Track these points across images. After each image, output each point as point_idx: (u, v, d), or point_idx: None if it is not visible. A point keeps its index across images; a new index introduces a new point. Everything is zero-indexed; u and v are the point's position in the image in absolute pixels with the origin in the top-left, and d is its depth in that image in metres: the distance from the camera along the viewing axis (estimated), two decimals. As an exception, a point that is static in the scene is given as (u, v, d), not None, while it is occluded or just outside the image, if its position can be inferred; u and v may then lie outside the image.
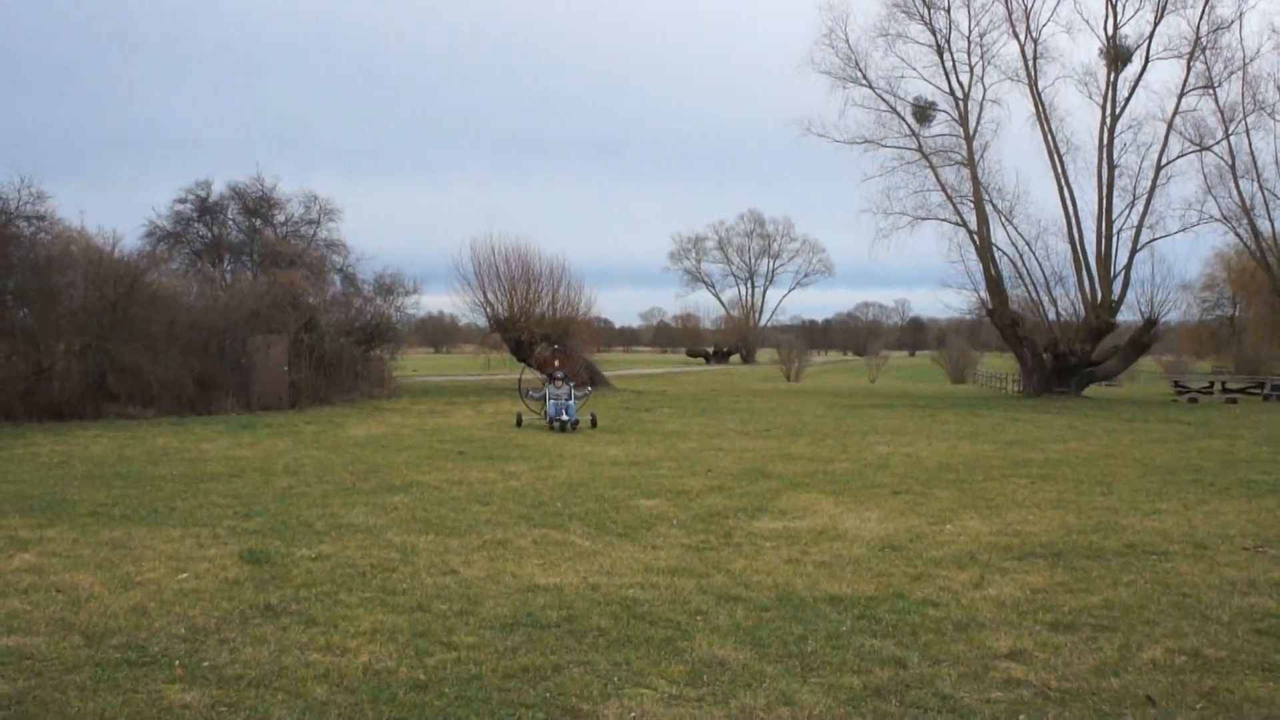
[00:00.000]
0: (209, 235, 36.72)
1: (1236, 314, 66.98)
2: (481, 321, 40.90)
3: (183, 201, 36.53)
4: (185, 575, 8.15)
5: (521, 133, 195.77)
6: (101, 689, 5.55)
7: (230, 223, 37.08)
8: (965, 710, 5.37)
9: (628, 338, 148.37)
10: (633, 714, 5.28)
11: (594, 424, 23.40)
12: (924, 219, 42.23)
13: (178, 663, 6.00)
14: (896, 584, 8.22)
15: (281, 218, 37.20)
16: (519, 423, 23.91)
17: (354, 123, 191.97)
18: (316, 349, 29.14)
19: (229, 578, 8.08)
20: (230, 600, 7.40)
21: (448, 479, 14.20)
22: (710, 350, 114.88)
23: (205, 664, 5.98)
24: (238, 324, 27.42)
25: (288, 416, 25.21)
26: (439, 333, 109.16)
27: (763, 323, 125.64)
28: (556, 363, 25.97)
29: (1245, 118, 39.58)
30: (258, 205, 36.68)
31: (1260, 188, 40.37)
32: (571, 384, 23.82)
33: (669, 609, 7.39)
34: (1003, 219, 40.94)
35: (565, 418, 22.41)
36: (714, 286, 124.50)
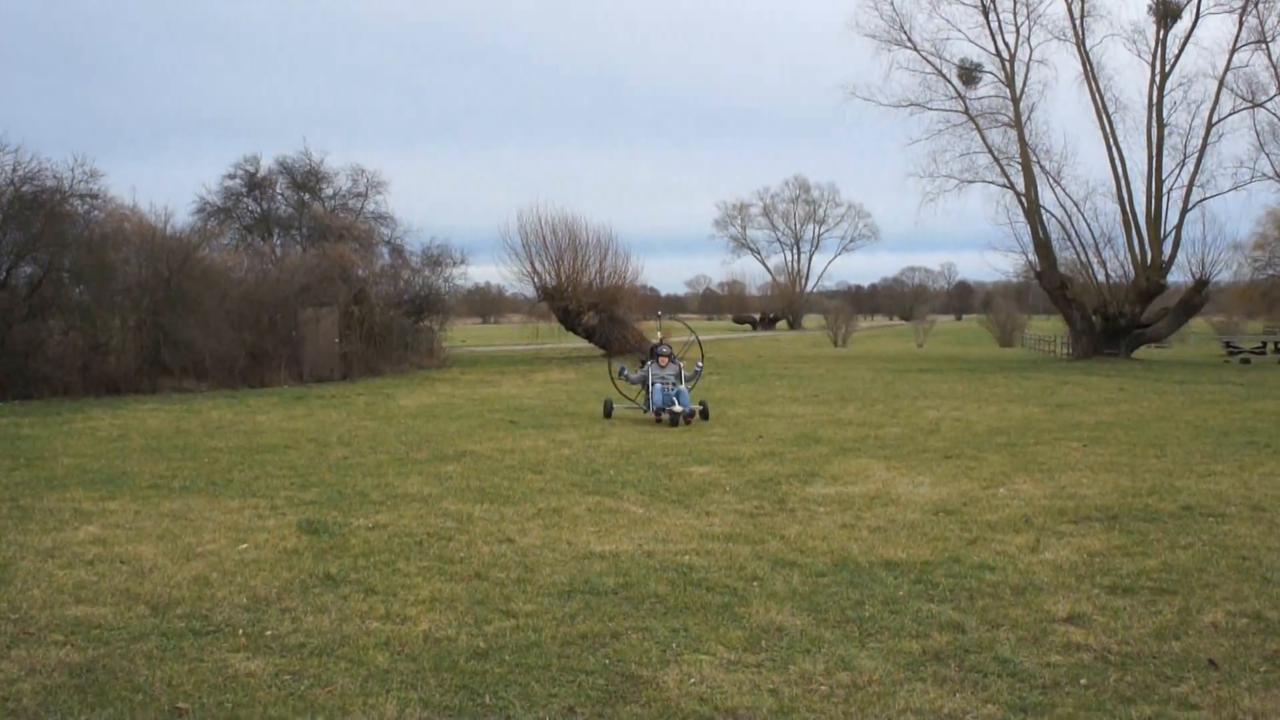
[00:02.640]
0: (258, 210, 37.03)
1: (1291, 272, 65.79)
2: (529, 291, 41.04)
3: (232, 177, 36.88)
4: (245, 545, 8.27)
5: (567, 103, 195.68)
6: (168, 658, 5.65)
7: (279, 197, 37.38)
8: (1025, 674, 5.36)
9: (674, 305, 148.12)
10: (692, 679, 5.31)
11: (704, 414, 17.93)
12: (971, 182, 41.91)
13: (241, 632, 6.10)
14: (952, 548, 8.20)
15: (329, 191, 37.44)
16: (608, 413, 18.45)
17: (401, 97, 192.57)
18: (366, 321, 29.36)
19: (288, 548, 8.19)
20: (290, 570, 7.50)
21: (500, 448, 14.28)
22: (756, 317, 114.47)
23: (268, 633, 6.07)
24: (288, 297, 27.65)
25: (339, 388, 25.43)
26: (486, 303, 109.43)
27: (809, 289, 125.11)
28: (660, 336, 20.26)
29: (1300, 72, 38.78)
30: (306, 179, 36.92)
31: (1314, 143, 39.55)
32: (680, 362, 18.74)
33: (725, 575, 7.42)
34: (1050, 180, 40.50)
35: (678, 408, 17.11)
36: (760, 253, 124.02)
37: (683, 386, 17.81)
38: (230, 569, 7.53)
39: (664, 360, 18.19)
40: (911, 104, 41.85)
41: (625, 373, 19.19)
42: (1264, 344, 44.39)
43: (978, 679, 5.31)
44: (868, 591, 6.98)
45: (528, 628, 6.17)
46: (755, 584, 7.21)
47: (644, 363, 18.87)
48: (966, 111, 41.21)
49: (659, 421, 17.29)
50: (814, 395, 23.12)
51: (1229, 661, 5.53)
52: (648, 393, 18.07)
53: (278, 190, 37.28)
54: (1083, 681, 5.26)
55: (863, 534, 8.75)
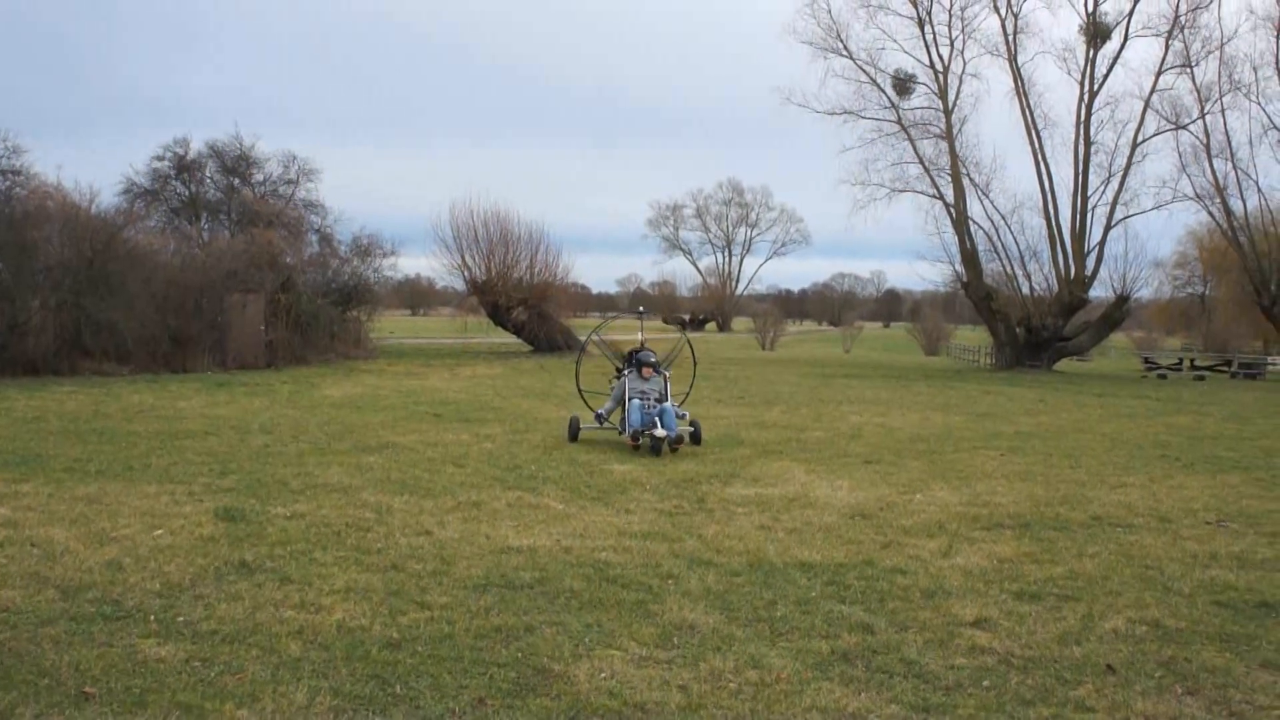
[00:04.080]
0: (186, 193, 36.55)
1: (1207, 292, 67.43)
2: (459, 285, 40.86)
3: (160, 159, 36.41)
4: (160, 531, 8.18)
5: (503, 100, 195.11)
6: (77, 642, 5.59)
7: (208, 181, 36.96)
8: (930, 675, 5.48)
9: (605, 304, 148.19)
10: (603, 674, 5.36)
11: (696, 438, 14.61)
12: (901, 191, 42.57)
13: (153, 617, 6.05)
14: (866, 551, 8.33)
15: (260, 177, 37.11)
16: (573, 435, 14.94)
17: (336, 86, 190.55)
18: (293, 309, 29.08)
19: (204, 534, 8.13)
20: (205, 557, 7.44)
21: (423, 440, 14.25)
22: (686, 318, 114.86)
23: (180, 619, 6.03)
24: (214, 282, 27.33)
25: (263, 376, 25.17)
26: (416, 295, 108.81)
27: (739, 291, 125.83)
28: (641, 340, 15.99)
29: (1221, 97, 39.80)
30: (236, 164, 36.51)
31: (1234, 167, 40.61)
32: (667, 372, 15.43)
33: (641, 573, 7.48)
34: (979, 193, 41.22)
35: (660, 432, 13.55)
36: (691, 254, 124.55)
37: (668, 405, 14.30)
38: (144, 555, 7.46)
39: (648, 371, 14.78)
40: (846, 112, 42.39)
41: (602, 415, 15.03)
42: (1180, 360, 45.47)
43: (883, 679, 5.42)
44: (780, 592, 7.07)
45: (442, 620, 6.18)
46: (670, 582, 7.27)
47: (620, 372, 15.45)
48: (899, 121, 41.79)
49: (636, 448, 13.78)
50: (739, 397, 23.29)
51: (1126, 667, 5.69)
52: (623, 411, 14.53)
53: (207, 174, 36.89)
54: (985, 684, 5.38)
55: (779, 535, 8.85)
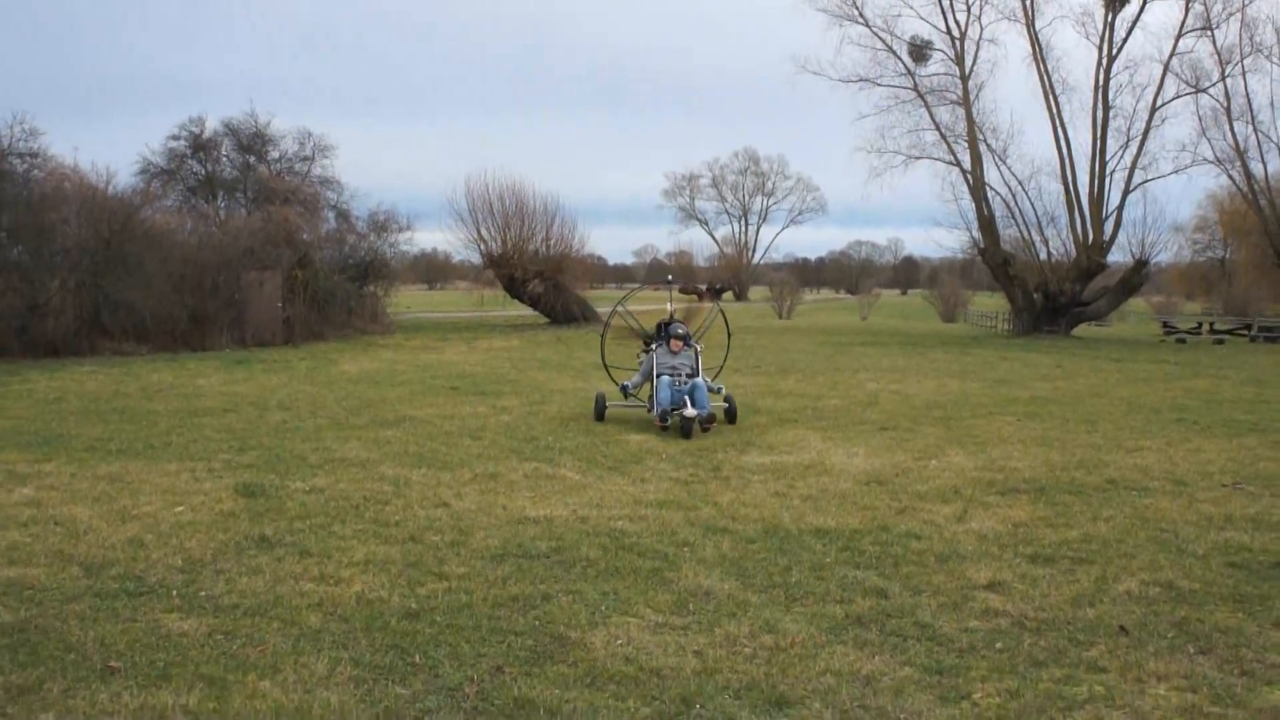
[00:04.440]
0: (203, 172, 36.63)
1: (1227, 256, 67.04)
2: (475, 258, 40.85)
3: (176, 139, 36.48)
4: (181, 508, 8.27)
5: (517, 72, 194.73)
6: (101, 618, 5.68)
7: (224, 159, 37.03)
8: (943, 638, 5.52)
9: (621, 275, 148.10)
10: (619, 641, 5.42)
11: (731, 415, 13.65)
12: (918, 158, 42.34)
13: (175, 593, 6.13)
14: (881, 517, 8.37)
15: (275, 154, 37.14)
16: (599, 413, 13.94)
17: (352, 63, 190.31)
18: (310, 285, 29.17)
19: (224, 510, 8.22)
20: (226, 532, 7.52)
21: (440, 413, 14.32)
22: (703, 287, 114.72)
23: (202, 594, 6.11)
24: (232, 260, 27.42)
25: (282, 352, 25.29)
26: (432, 270, 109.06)
27: (756, 260, 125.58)
28: (672, 310, 15.16)
29: (1242, 60, 39.45)
30: (251, 142, 36.58)
31: (1255, 130, 40.35)
32: (698, 345, 14.34)
33: (656, 540, 7.54)
34: (996, 159, 40.93)
35: (690, 411, 12.54)
36: (707, 224, 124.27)
37: (700, 380, 13.30)
38: (166, 531, 7.55)
39: (678, 345, 13.74)
40: (862, 79, 42.14)
41: (628, 388, 14.13)
42: (1199, 324, 45.28)
43: (897, 642, 5.46)
44: (795, 558, 7.12)
45: (459, 590, 6.25)
46: (686, 549, 7.33)
47: (647, 346, 14.39)
48: (916, 88, 41.54)
49: (664, 427, 12.84)
50: (755, 366, 23.29)
51: (1139, 628, 5.72)
52: (653, 388, 13.56)
53: (223, 152, 36.93)
54: (998, 646, 5.42)
55: (794, 502, 8.89)
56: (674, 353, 13.69)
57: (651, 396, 13.51)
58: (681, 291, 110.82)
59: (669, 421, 12.79)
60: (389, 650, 5.23)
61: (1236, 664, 5.21)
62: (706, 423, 12.66)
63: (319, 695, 4.64)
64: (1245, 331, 42.70)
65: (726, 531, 7.84)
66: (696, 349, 14.05)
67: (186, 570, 6.59)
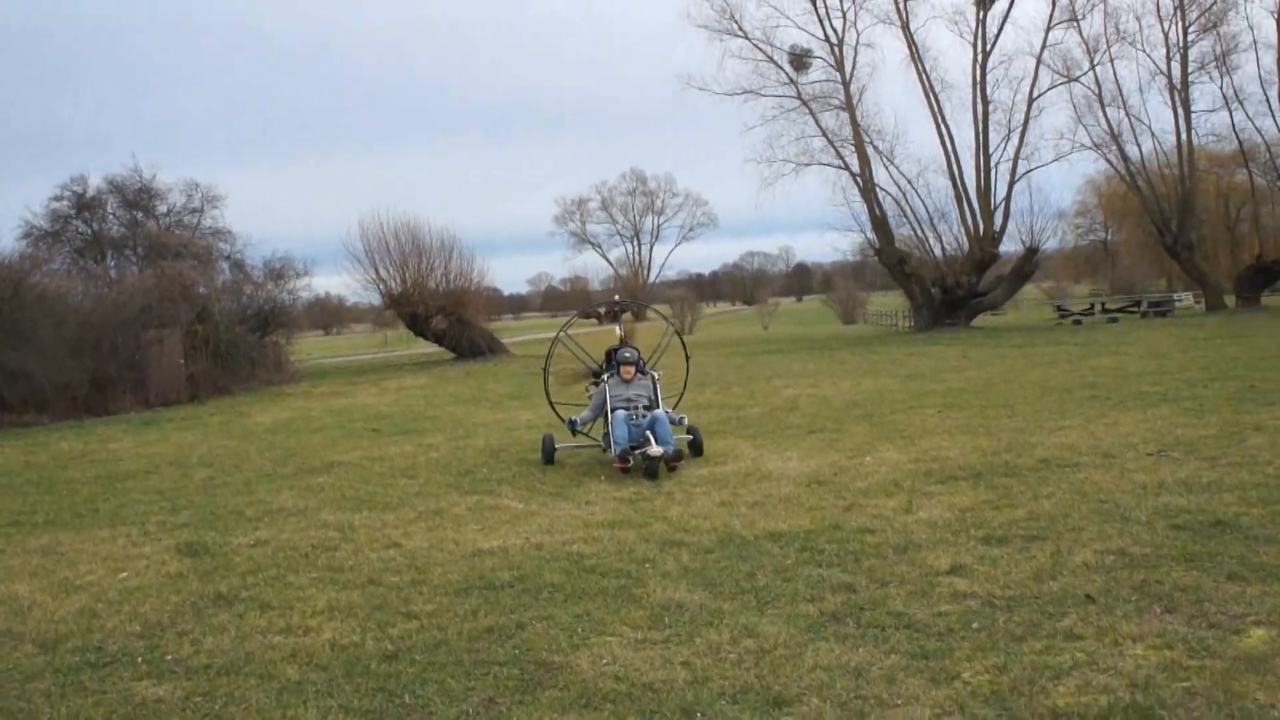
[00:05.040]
0: (89, 232, 35.78)
1: (1109, 237, 69.06)
2: (374, 299, 40.40)
3: (59, 199, 35.59)
4: (125, 574, 8.07)
5: (400, 110, 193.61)
6: (68, 693, 5.52)
7: (110, 217, 36.21)
8: (920, 625, 5.62)
9: (517, 305, 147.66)
10: (605, 660, 5.43)
11: (696, 447, 12.26)
12: (807, 165, 42.82)
13: (140, 659, 5.98)
14: (830, 516, 8.48)
15: (163, 208, 36.42)
16: (548, 457, 12.45)
17: (229, 106, 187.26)
18: (212, 339, 28.60)
19: (171, 572, 8.04)
20: (178, 593, 7.36)
21: (367, 456, 14.17)
22: (601, 310, 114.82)
23: (169, 657, 5.98)
24: (128, 320, 26.80)
25: (189, 409, 24.75)
26: (327, 314, 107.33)
27: (651, 279, 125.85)
28: (620, 333, 14.25)
29: (1109, 48, 40.94)
30: (137, 197, 35.82)
31: (1126, 114, 41.90)
32: (656, 372, 12.88)
33: (616, 560, 7.56)
34: (884, 160, 41.67)
35: (655, 449, 10.89)
36: (600, 247, 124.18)
37: (660, 411, 11.79)
38: (115, 598, 7.36)
39: (629, 372, 12.38)
40: (746, 91, 42.60)
41: (575, 423, 12.62)
42: (1092, 305, 46.52)
43: (877, 633, 5.55)
44: (757, 563, 7.19)
45: (432, 627, 6.21)
46: (647, 565, 7.36)
47: (597, 377, 13.04)
48: (799, 96, 42.13)
49: (624, 469, 11.12)
50: (669, 382, 23.36)
51: (1104, 595, 5.89)
52: (606, 424, 12.10)
53: (108, 210, 36.12)
54: (974, 626, 5.55)
55: (742, 510, 8.97)
56: (626, 381, 12.32)
57: (606, 434, 12.01)
58: (583, 317, 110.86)
59: (630, 462, 11.14)
60: (376, 694, 5.18)
61: (1203, 618, 5.40)
62: (673, 460, 11.09)
63: (316, 744, 4.57)
64: (1135, 309, 43.95)
65: (683, 544, 7.88)
66: (654, 376, 12.70)
67: (146, 635, 6.44)
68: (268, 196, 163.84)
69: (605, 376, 12.61)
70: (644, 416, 11.73)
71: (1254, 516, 7.42)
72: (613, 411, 11.88)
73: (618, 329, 13.34)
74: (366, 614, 6.58)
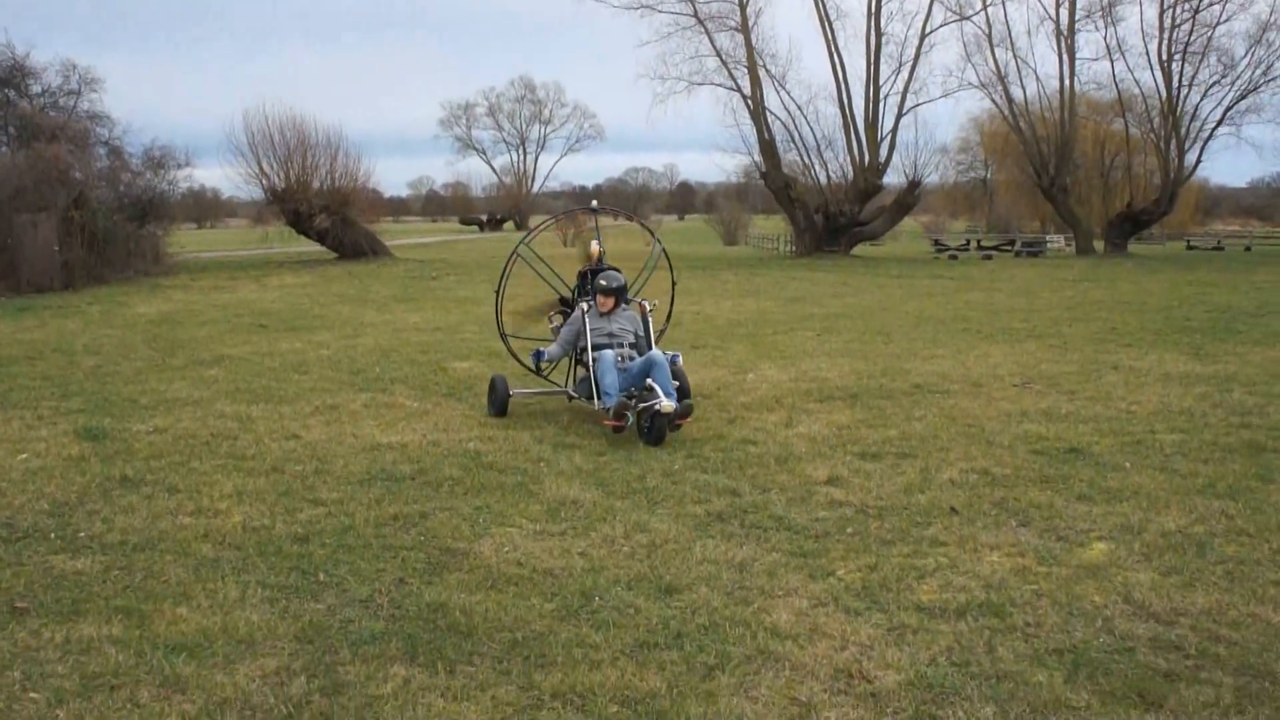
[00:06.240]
0: (-45, 110, 34.33)
1: (989, 176, 70.81)
2: (256, 194, 39.68)
3: (-77, 75, 33.98)
4: (25, 455, 8.15)
5: (286, 5, 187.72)
6: (-16, 563, 5.69)
7: (-22, 95, 34.71)
8: (799, 527, 6.11)
9: (397, 208, 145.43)
10: (506, 548, 5.80)
11: (685, 394, 8.89)
12: (700, 84, 43.21)
13: (54, 535, 6.14)
14: (714, 427, 8.95)
15: (38, 89, 34.98)
16: (500, 407, 9.69)
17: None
18: (88, 226, 27.90)
19: (72, 455, 8.14)
20: (82, 475, 7.50)
21: (257, 351, 14.24)
22: (484, 218, 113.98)
23: (81, 534, 6.15)
24: (0, 203, 26.03)
25: (64, 298, 24.23)
26: (202, 208, 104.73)
27: (535, 189, 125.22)
28: (597, 248, 10.44)
29: (1002, -10, 41.72)
30: (9, 74, 34.32)
31: (1014, 56, 43.14)
32: (649, 303, 10.11)
33: (512, 458, 7.93)
34: (776, 84, 42.20)
35: (667, 404, 8.32)
36: (485, 154, 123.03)
37: (657, 353, 9.00)
38: (18, 478, 7.46)
39: (607, 302, 9.60)
40: (642, 5, 42.56)
41: (541, 358, 9.81)
42: (968, 241, 47.95)
43: (759, 534, 6.03)
44: (647, 467, 7.63)
45: (339, 513, 6.51)
46: (543, 464, 7.75)
47: (566, 304, 10.36)
48: (696, 15, 42.21)
49: (619, 429, 8.61)
50: (559, 294, 23.64)
51: (966, 508, 6.46)
52: (575, 368, 10.16)
53: (-23, 88, 34.63)
54: (849, 530, 6.05)
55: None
56: (605, 314, 9.62)
57: (579, 378, 9.80)
58: (462, 223, 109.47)
59: (628, 420, 8.55)
60: (290, 571, 5.47)
61: (1052, 532, 5.99)
62: (681, 418, 8.61)
63: (239, 615, 4.86)
64: (1009, 247, 45.53)
65: (575, 447, 8.29)
66: (646, 307, 10.04)
67: (56, 514, 6.58)
68: (150, 84, 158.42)
69: (584, 306, 9.66)
70: (631, 360, 9.27)
71: (1105, 446, 8.10)
72: (595, 350, 9.31)
73: (595, 244, 10.42)
74: (274, 499, 6.84)
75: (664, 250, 11.20)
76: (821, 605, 4.93)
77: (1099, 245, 44.50)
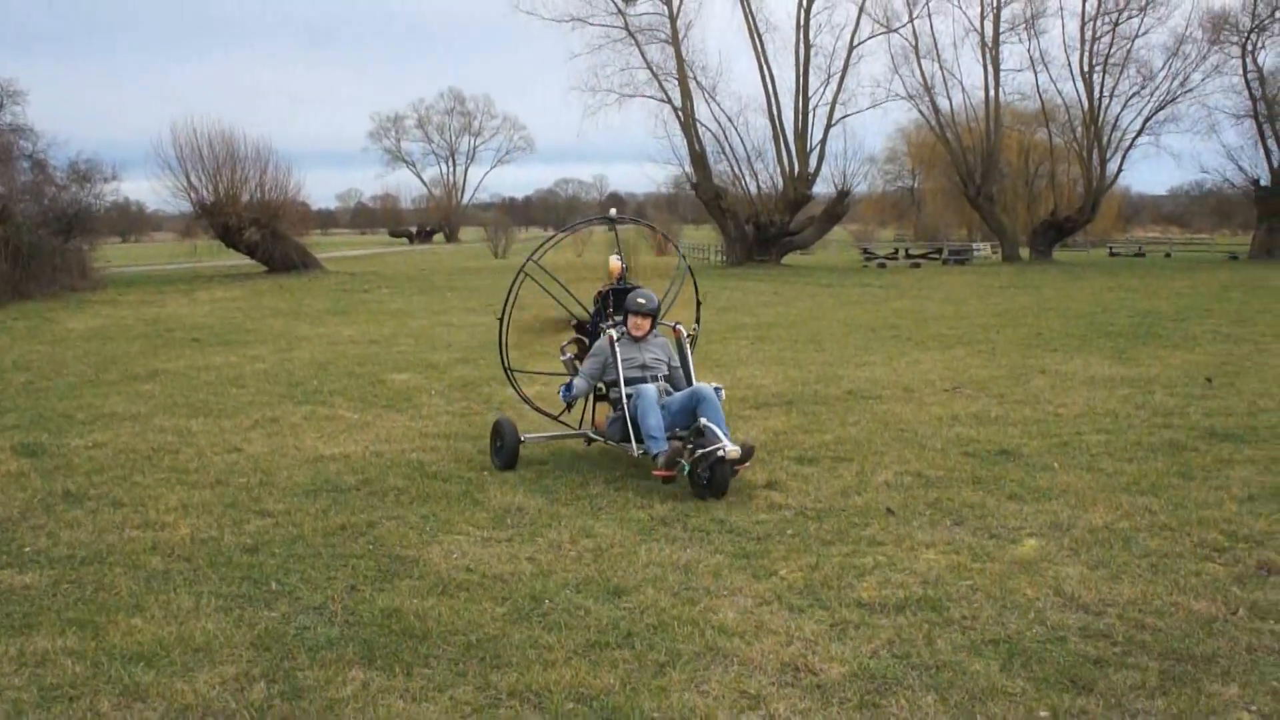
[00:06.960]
0: None
1: (916, 185, 71.83)
2: (185, 207, 39.28)
3: None
4: (-39, 471, 8.11)
5: (215, 13, 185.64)
6: (-72, 578, 5.68)
7: (-106, 107, 34.01)
8: (741, 530, 6.28)
9: (325, 220, 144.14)
10: (455, 555, 5.90)
11: (746, 454, 7.07)
12: (631, 96, 43.43)
13: (-2, 549, 6.16)
14: (655, 435, 9.07)
15: (-45, 101, 34.38)
16: (509, 460, 8.04)
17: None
18: (12, 241, 27.49)
19: (10, 470, 8.10)
20: (24, 490, 7.47)
21: (191, 365, 14.17)
22: (413, 230, 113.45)
23: (27, 549, 6.15)
24: (-79, 217, 25.59)
25: (-11, 314, 23.88)
26: (126, 221, 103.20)
27: (465, 201, 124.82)
28: (619, 264, 8.66)
29: (928, 2, 42.70)
30: (-73, 87, 33.81)
31: (940, 68, 43.84)
32: (682, 328, 8.55)
33: (456, 468, 8.03)
34: (706, 96, 42.56)
35: (732, 449, 6.88)
36: (414, 166, 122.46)
37: (702, 387, 7.67)
38: (-44, 494, 7.43)
39: (643, 325, 8.10)
40: (574, 19, 42.86)
41: (571, 393, 8.08)
42: (896, 250, 48.62)
43: (703, 536, 6.18)
44: (589, 474, 7.77)
45: (287, 524, 6.56)
46: (485, 473, 7.86)
47: (586, 332, 8.79)
48: (627, 28, 42.50)
49: (669, 480, 7.22)
50: (488, 305, 23.66)
51: (902, 509, 6.67)
52: (593, 405, 8.60)
53: (-106, 100, 33.93)
54: (789, 532, 6.23)
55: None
56: (636, 340, 8.14)
57: (610, 418, 8.10)
58: (391, 235, 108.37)
59: (682, 468, 7.09)
60: (242, 581, 5.53)
61: (985, 530, 6.20)
62: (743, 462, 7.16)
63: (195, 625, 4.91)
64: (937, 255, 46.24)
65: (519, 456, 8.36)
66: (684, 332, 8.56)
67: (-1, 529, 6.59)
68: (75, 98, 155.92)
69: (616, 336, 8.07)
70: (668, 393, 7.98)
71: (1034, 447, 8.37)
72: (629, 385, 7.84)
73: (616, 259, 8.76)
74: (221, 511, 6.87)
75: (689, 267, 9.65)
76: (766, 603, 5.09)
77: (1024, 252, 45.42)
